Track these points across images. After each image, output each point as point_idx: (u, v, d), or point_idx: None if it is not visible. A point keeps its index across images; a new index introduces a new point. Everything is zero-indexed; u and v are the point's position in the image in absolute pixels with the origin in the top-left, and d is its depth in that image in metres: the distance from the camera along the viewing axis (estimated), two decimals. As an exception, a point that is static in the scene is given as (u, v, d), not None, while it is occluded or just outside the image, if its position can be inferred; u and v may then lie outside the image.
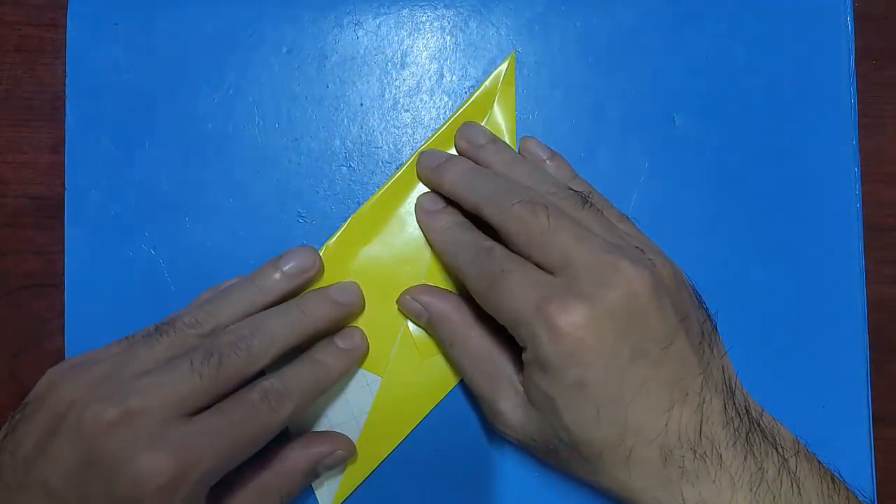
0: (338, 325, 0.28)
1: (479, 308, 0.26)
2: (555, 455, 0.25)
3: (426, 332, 0.29)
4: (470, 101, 0.30)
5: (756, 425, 0.24)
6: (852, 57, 0.31)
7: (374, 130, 0.30)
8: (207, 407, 0.23)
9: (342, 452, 0.27)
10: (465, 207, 0.27)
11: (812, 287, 0.30)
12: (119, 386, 0.23)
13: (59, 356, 0.29)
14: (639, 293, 0.23)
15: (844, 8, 0.31)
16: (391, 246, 0.29)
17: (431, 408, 0.29)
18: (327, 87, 0.30)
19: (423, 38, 0.31)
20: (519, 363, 0.25)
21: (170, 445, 0.22)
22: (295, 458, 0.26)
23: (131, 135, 0.30)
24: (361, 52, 0.30)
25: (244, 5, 0.30)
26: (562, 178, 0.28)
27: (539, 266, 0.24)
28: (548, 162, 0.29)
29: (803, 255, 0.30)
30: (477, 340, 0.27)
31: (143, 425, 0.22)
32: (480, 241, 0.26)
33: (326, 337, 0.28)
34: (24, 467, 0.22)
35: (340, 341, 0.28)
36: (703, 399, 0.23)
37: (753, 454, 0.23)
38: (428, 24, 0.31)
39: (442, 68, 0.31)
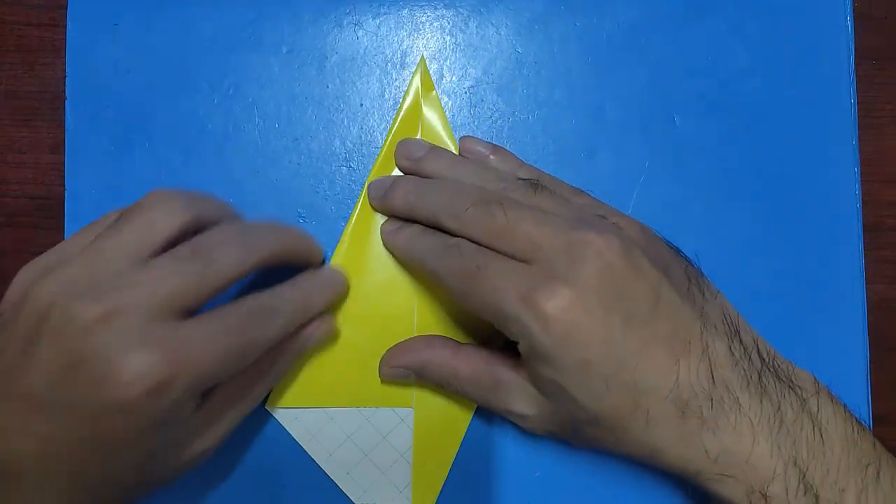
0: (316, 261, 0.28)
1: (449, 333, 0.26)
2: (580, 435, 0.25)
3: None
4: (398, 120, 0.30)
5: (768, 366, 0.23)
6: (852, 57, 0.31)
7: (374, 130, 0.30)
8: (195, 310, 0.23)
9: (318, 329, 0.27)
10: (424, 222, 0.27)
11: (812, 287, 0.30)
12: (101, 284, 0.22)
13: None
14: (613, 260, 0.23)
15: (844, 8, 0.31)
16: (377, 284, 0.29)
17: (470, 419, 0.29)
18: (327, 87, 0.30)
19: (423, 38, 0.31)
20: (515, 359, 0.25)
21: (161, 346, 0.21)
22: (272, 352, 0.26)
23: (131, 135, 0.30)
24: (361, 52, 0.30)
25: (244, 5, 0.30)
26: (509, 169, 0.28)
27: (510, 257, 0.24)
28: (491, 157, 0.29)
29: (803, 255, 0.30)
30: (466, 367, 0.26)
31: (130, 323, 0.21)
32: (446, 241, 0.25)
33: (310, 270, 0.28)
34: (6, 378, 0.21)
35: (324, 273, 0.28)
36: (706, 344, 0.23)
37: (769, 396, 0.22)
38: (428, 24, 0.31)
39: (442, 68, 0.30)
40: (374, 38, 0.31)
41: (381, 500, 0.28)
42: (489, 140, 0.30)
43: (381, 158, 0.30)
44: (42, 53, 0.31)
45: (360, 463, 0.29)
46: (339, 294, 0.28)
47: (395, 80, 0.30)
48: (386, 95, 0.30)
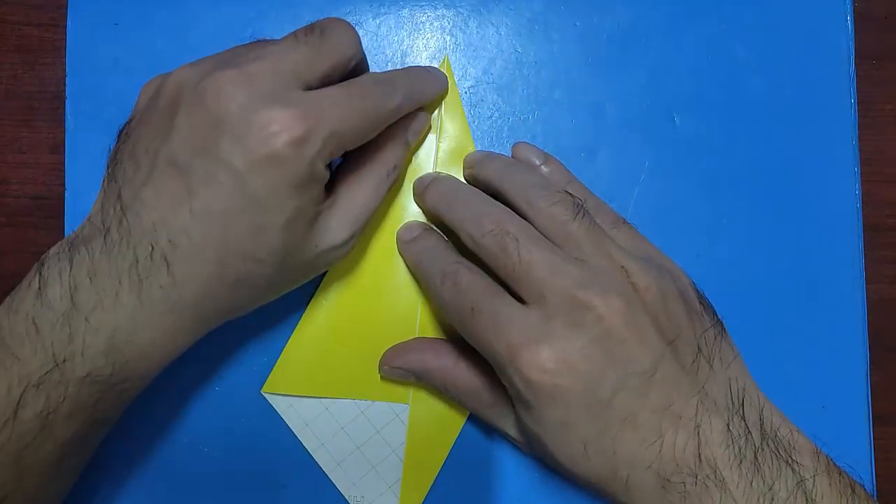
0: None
1: (451, 334, 0.26)
2: (566, 479, 0.25)
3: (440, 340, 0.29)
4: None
5: (768, 442, 0.22)
6: (852, 57, 0.31)
7: (374, 130, 0.30)
8: (318, 83, 0.24)
9: (422, 113, 0.28)
10: (448, 230, 0.27)
11: (812, 287, 0.30)
12: (232, 59, 0.23)
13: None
14: (613, 329, 0.22)
15: (844, 8, 0.31)
16: (385, 277, 0.29)
17: (465, 419, 0.29)
18: (327, 87, 0.30)
19: (423, 38, 0.31)
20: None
21: (297, 104, 0.22)
22: (388, 133, 0.27)
23: (131, 135, 0.30)
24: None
25: (244, 5, 0.30)
26: (557, 182, 0.28)
27: (514, 294, 0.24)
28: (542, 167, 0.29)
29: (803, 255, 0.30)
30: (466, 379, 0.26)
31: (265, 85, 0.22)
32: (446, 268, 0.25)
33: (420, 67, 0.30)
34: (150, 155, 0.23)
35: (431, 70, 0.30)
36: (699, 422, 0.22)
37: (762, 475, 0.22)
38: (428, 24, 0.31)
39: (442, 68, 0.30)
40: (374, 38, 0.31)
41: (370, 493, 0.28)
42: (489, 139, 0.30)
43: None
44: (42, 53, 0.31)
45: (352, 455, 0.29)
46: (443, 90, 0.30)
47: (395, 80, 0.30)
48: (386, 95, 0.30)
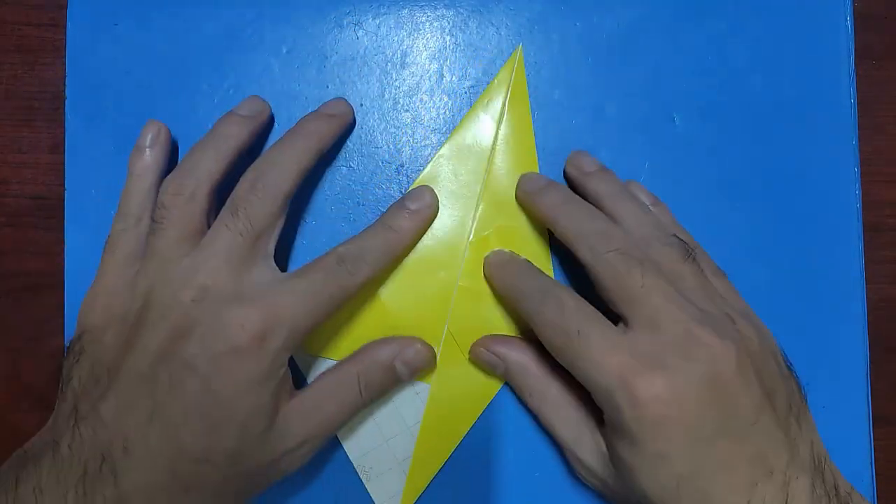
0: (418, 235, 0.29)
1: (481, 324, 0.26)
2: None
3: (468, 332, 0.29)
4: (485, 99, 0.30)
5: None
6: (852, 57, 0.31)
7: (374, 130, 0.30)
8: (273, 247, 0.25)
9: (422, 347, 0.27)
10: (558, 237, 0.27)
11: (812, 287, 0.30)
12: (182, 273, 0.24)
13: (59, 356, 0.29)
14: (724, 370, 0.22)
15: (844, 8, 0.31)
16: (426, 258, 0.29)
17: (483, 408, 0.29)
18: (327, 87, 0.30)
19: (423, 38, 0.31)
20: (600, 415, 0.24)
21: (257, 300, 0.23)
22: (374, 348, 0.27)
23: (131, 135, 0.30)
24: (361, 52, 0.30)
25: (244, 5, 0.30)
26: (666, 225, 0.28)
27: (620, 316, 0.24)
28: (651, 207, 0.28)
29: (803, 255, 0.30)
30: (557, 391, 0.26)
31: (222, 292, 0.23)
32: (546, 288, 0.25)
33: (396, 202, 0.29)
34: (108, 371, 0.23)
35: (411, 203, 0.28)
36: (789, 477, 0.22)
37: None
38: (428, 24, 0.31)
39: (442, 68, 0.30)
40: (374, 38, 0.31)
41: (378, 465, 0.28)
42: (489, 140, 0.30)
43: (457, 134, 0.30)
44: (42, 53, 0.31)
45: (366, 424, 0.29)
46: (429, 220, 0.29)
47: (395, 80, 0.30)
48: (386, 95, 0.30)
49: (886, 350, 0.31)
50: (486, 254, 0.29)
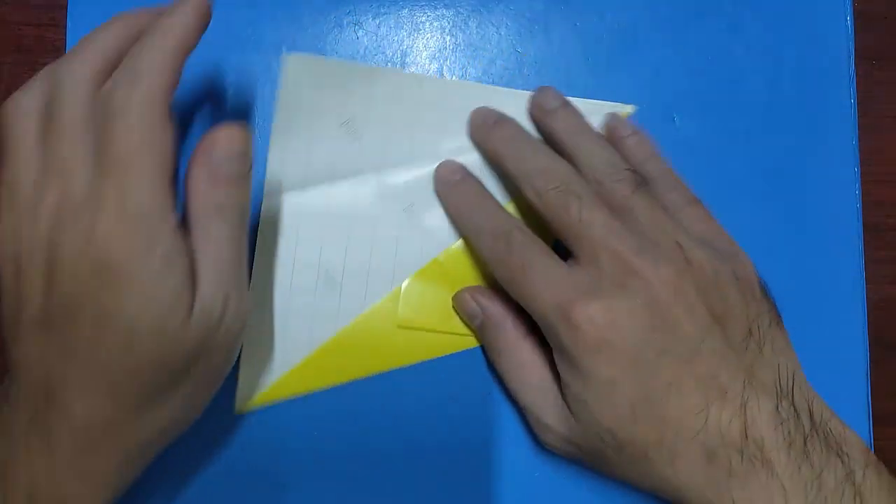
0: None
1: (531, 321, 0.26)
2: (603, 462, 0.24)
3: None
4: None
5: (818, 430, 0.22)
6: (852, 57, 0.31)
7: (374, 130, 0.30)
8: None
9: (229, 130, 0.23)
10: (507, 177, 0.27)
11: (812, 287, 0.30)
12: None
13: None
14: (660, 296, 0.23)
15: (844, 8, 0.31)
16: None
17: (410, 362, 0.29)
18: (327, 87, 0.30)
19: (423, 38, 0.31)
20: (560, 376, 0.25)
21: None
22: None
23: (131, 135, 0.30)
24: (361, 52, 0.30)
25: (244, 5, 0.30)
26: (638, 155, 0.28)
27: (570, 253, 0.24)
28: (627, 139, 0.28)
29: (803, 255, 0.30)
30: (527, 353, 0.26)
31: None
32: (498, 224, 0.26)
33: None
34: (13, 325, 0.22)
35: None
36: (746, 399, 0.22)
37: (810, 461, 0.22)
38: (428, 24, 0.31)
39: (442, 68, 0.30)
40: (374, 38, 0.31)
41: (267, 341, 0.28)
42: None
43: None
44: (42, 53, 0.31)
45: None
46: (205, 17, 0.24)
47: (395, 80, 0.30)
48: (386, 95, 0.30)
49: (886, 350, 0.31)
50: (438, 166, 0.29)
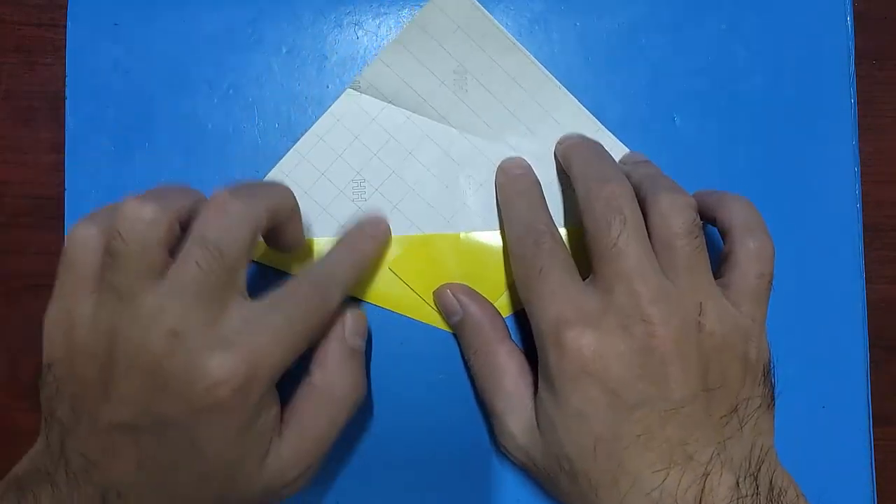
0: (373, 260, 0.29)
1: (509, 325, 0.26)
2: (555, 485, 0.24)
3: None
4: None
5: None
6: (852, 57, 0.31)
7: (374, 130, 0.30)
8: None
9: (356, 313, 0.26)
10: (568, 173, 0.27)
11: (812, 287, 0.30)
12: (144, 312, 0.21)
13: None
14: (657, 349, 0.22)
15: (844, 8, 0.31)
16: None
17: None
18: (327, 87, 0.30)
19: (423, 38, 0.31)
20: (535, 389, 0.25)
21: (236, 346, 0.21)
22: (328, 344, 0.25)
23: (131, 135, 0.30)
24: (361, 52, 0.30)
25: (244, 5, 0.30)
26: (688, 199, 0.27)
27: (591, 268, 0.24)
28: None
29: (803, 255, 0.30)
30: (503, 357, 0.26)
31: (194, 338, 0.21)
32: (535, 223, 0.26)
33: (355, 226, 0.28)
34: (89, 416, 0.22)
35: (370, 229, 0.28)
36: (709, 471, 0.22)
37: None
38: (428, 24, 0.31)
39: (442, 68, 0.30)
40: (374, 38, 0.31)
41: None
42: (489, 140, 0.30)
43: None
44: (42, 53, 0.31)
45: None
46: (386, 243, 0.29)
47: (395, 80, 0.30)
48: (386, 95, 0.30)
49: (886, 350, 0.31)
50: (502, 161, 0.29)
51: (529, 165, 0.29)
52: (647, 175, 0.26)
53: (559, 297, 0.23)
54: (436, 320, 0.29)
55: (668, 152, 0.30)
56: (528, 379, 0.26)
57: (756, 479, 0.22)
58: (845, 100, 0.30)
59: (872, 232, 0.31)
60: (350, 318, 0.26)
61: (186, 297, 0.21)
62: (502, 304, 0.29)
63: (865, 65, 0.31)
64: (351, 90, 0.30)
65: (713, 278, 0.24)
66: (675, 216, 0.24)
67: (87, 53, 0.30)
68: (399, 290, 0.29)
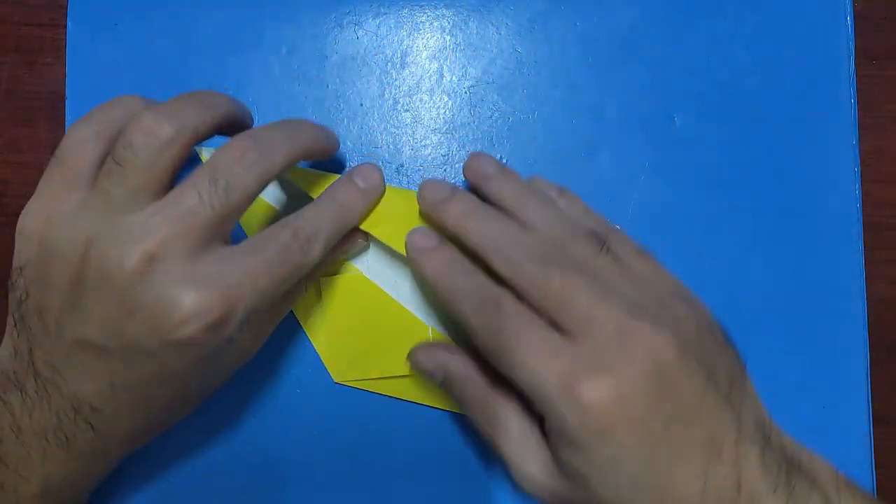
0: (364, 214, 0.27)
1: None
2: None
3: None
4: None
5: (795, 466, 0.22)
6: (852, 57, 0.31)
7: (374, 130, 0.30)
8: (228, 231, 0.23)
9: (360, 240, 0.28)
10: (471, 250, 0.25)
11: (812, 287, 0.30)
12: (129, 228, 0.21)
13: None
14: (665, 361, 0.22)
15: (844, 8, 0.31)
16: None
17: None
18: (327, 87, 0.30)
19: (422, 38, 0.31)
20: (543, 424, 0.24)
21: (212, 284, 0.21)
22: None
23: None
24: (361, 52, 0.30)
25: (244, 5, 0.30)
26: (574, 214, 0.27)
27: (552, 323, 0.22)
28: (558, 200, 0.28)
29: (803, 255, 0.30)
30: (501, 403, 0.24)
31: (175, 265, 0.21)
32: (485, 290, 0.24)
33: (344, 177, 0.27)
34: (59, 329, 0.22)
35: (360, 181, 0.27)
36: (739, 453, 0.22)
37: (795, 497, 0.21)
38: (428, 24, 0.31)
39: (442, 68, 0.31)
40: (374, 38, 0.31)
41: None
42: (489, 140, 0.30)
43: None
44: (42, 53, 0.31)
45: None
46: (378, 198, 0.27)
47: (395, 79, 0.30)
48: (386, 95, 0.30)
49: (886, 350, 0.31)
50: (408, 232, 0.26)
51: (437, 233, 0.26)
52: (520, 200, 0.26)
53: (550, 355, 0.22)
54: (428, 399, 0.29)
55: (668, 152, 0.30)
56: (532, 417, 0.24)
57: (771, 444, 0.22)
58: (845, 100, 0.30)
59: (872, 232, 0.31)
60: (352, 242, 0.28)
61: (176, 224, 0.21)
62: None
63: (865, 65, 0.31)
64: None
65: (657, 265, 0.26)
66: (581, 246, 0.24)
67: (87, 53, 0.30)
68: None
